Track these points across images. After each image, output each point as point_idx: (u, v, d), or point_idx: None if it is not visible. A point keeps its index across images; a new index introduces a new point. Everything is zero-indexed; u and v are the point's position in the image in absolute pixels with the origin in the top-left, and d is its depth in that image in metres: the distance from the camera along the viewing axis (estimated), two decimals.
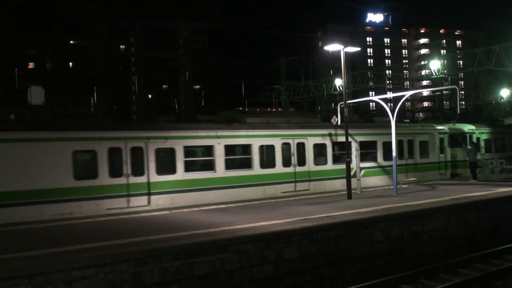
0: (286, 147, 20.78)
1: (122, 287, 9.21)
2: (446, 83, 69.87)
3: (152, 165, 17.40)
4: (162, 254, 9.64)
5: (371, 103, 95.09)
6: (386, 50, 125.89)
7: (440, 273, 12.05)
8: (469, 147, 26.26)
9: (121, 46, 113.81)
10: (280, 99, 50.85)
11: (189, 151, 18.58)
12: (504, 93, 54.72)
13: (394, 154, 19.45)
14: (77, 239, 10.85)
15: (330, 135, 22.11)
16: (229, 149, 19.31)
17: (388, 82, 45.43)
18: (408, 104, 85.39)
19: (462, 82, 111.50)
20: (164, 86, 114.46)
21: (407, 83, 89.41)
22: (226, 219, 13.31)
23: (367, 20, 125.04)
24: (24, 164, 15.10)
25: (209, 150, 19.05)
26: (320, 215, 13.41)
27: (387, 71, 47.70)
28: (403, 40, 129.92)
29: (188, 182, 18.19)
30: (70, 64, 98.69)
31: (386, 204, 15.64)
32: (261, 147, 20.08)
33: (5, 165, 14.82)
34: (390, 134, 19.53)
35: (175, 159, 18.02)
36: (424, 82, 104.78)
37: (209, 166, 18.94)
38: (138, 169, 17.19)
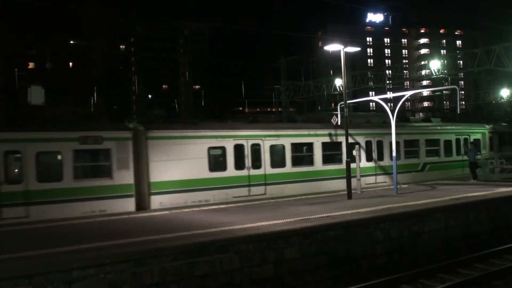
0: (368, 144, 24.12)
1: (122, 287, 9.21)
2: (446, 83, 69.89)
3: (267, 159, 20.31)
4: (162, 254, 9.64)
5: (371, 103, 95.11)
6: (386, 50, 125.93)
7: (440, 273, 12.04)
8: (468, 147, 26.27)
9: (121, 46, 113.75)
10: (280, 99, 50.82)
11: (295, 148, 21.44)
12: (504, 93, 54.69)
13: (394, 154, 19.45)
14: (77, 239, 10.85)
15: (402, 134, 25.17)
16: (325, 146, 22.23)
17: (388, 82, 45.37)
18: (408, 104, 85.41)
19: (462, 82, 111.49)
20: (164, 86, 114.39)
21: (407, 83, 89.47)
22: (226, 219, 13.31)
23: (367, 20, 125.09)
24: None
25: (309, 146, 21.94)
26: (320, 215, 13.42)
27: (387, 71, 47.65)
28: (403, 40, 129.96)
29: (294, 175, 20.99)
30: (70, 64, 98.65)
31: (386, 204, 15.64)
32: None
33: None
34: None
35: (285, 155, 20.86)
36: (424, 82, 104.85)
37: (310, 161, 21.84)
38: (256, 163, 20.05)
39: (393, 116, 19.24)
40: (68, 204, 15.89)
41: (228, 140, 19.52)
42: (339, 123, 21.85)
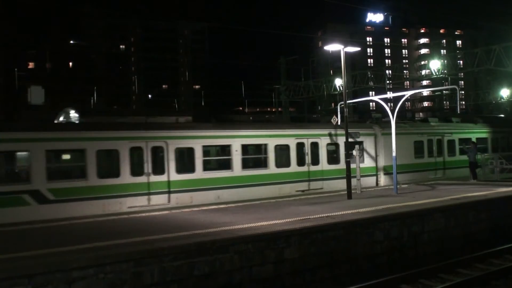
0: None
1: (122, 287, 9.21)
2: (446, 83, 69.93)
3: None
4: (162, 254, 9.64)
5: (371, 103, 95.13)
6: (386, 50, 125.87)
7: (440, 273, 12.03)
8: (468, 146, 26.24)
9: (121, 46, 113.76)
10: (280, 99, 50.84)
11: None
12: (504, 93, 54.73)
13: (394, 154, 19.45)
14: (77, 239, 10.85)
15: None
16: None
17: (388, 82, 45.42)
18: (408, 104, 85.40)
19: (462, 82, 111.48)
20: (164, 86, 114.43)
21: (407, 83, 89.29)
22: (226, 219, 13.31)
23: (367, 20, 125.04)
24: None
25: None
26: (320, 215, 13.42)
27: (387, 71, 47.69)
28: (403, 40, 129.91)
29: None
30: (70, 64, 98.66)
31: (386, 204, 15.63)
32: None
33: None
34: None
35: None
36: (424, 82, 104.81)
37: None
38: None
39: (393, 116, 19.23)
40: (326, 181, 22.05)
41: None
42: (339, 123, 21.84)
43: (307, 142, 21.93)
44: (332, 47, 19.38)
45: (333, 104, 52.17)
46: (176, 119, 21.80)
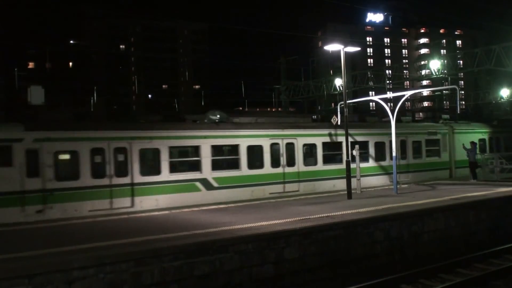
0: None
1: (122, 287, 9.21)
2: (446, 83, 69.89)
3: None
4: (162, 254, 9.64)
5: (371, 103, 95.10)
6: (386, 50, 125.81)
7: (440, 273, 12.04)
8: (469, 147, 26.24)
9: (121, 46, 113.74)
10: (280, 99, 50.85)
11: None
12: (504, 93, 54.68)
13: (394, 154, 19.44)
14: (77, 239, 10.86)
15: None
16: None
17: (388, 82, 45.43)
18: (408, 104, 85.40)
19: (462, 82, 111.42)
20: (164, 86, 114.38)
21: (407, 83, 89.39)
22: (226, 219, 13.31)
23: (367, 20, 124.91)
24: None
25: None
26: (320, 215, 13.42)
27: (387, 71, 47.69)
28: (403, 40, 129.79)
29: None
30: (70, 64, 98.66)
31: (386, 204, 15.64)
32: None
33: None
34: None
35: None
36: (424, 82, 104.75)
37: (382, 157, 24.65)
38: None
39: (393, 116, 19.23)
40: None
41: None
42: (339, 123, 21.82)
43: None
44: (332, 47, 19.38)
45: (333, 104, 52.14)
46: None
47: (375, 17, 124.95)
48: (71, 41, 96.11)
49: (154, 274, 9.54)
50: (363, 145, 23.23)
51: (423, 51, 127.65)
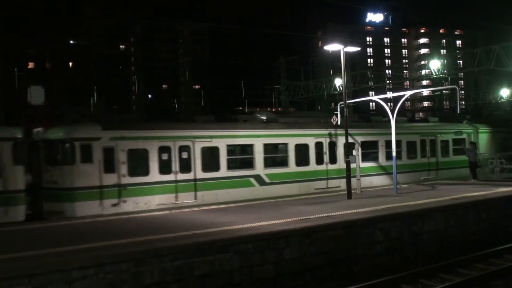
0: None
1: (122, 287, 9.21)
2: (446, 83, 69.90)
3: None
4: (162, 254, 9.64)
5: (371, 103, 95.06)
6: (386, 50, 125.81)
7: (440, 273, 12.04)
8: (468, 147, 26.25)
9: (121, 46, 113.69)
10: (280, 99, 50.86)
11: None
12: (504, 93, 54.70)
13: (394, 154, 19.45)
14: (77, 239, 10.85)
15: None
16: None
17: (388, 82, 45.46)
18: (408, 104, 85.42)
19: (462, 82, 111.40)
20: (164, 86, 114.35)
21: (407, 83, 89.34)
22: (226, 219, 13.31)
23: (367, 20, 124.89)
24: None
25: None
26: (320, 215, 13.42)
27: (387, 71, 47.72)
28: (403, 40, 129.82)
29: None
30: (70, 64, 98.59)
31: (386, 204, 15.63)
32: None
33: None
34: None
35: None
36: (424, 82, 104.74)
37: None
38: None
39: (393, 116, 19.23)
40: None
41: None
42: (339, 123, 21.82)
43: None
44: (332, 47, 19.38)
45: (333, 104, 52.15)
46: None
47: (375, 17, 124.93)
48: (71, 41, 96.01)
49: (154, 274, 9.54)
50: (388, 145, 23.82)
51: (423, 51, 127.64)
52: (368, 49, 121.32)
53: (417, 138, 26.00)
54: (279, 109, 54.38)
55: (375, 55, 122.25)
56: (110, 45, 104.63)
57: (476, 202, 15.95)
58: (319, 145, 22.16)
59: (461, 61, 44.35)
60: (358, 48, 20.46)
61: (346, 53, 18.81)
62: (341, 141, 21.93)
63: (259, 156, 20.23)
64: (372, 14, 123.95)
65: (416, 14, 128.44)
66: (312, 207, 15.64)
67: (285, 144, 21.18)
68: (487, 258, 13.39)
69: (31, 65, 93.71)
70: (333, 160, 22.41)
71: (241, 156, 20.18)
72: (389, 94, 28.56)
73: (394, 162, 19.48)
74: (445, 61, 37.28)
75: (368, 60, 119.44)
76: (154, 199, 17.40)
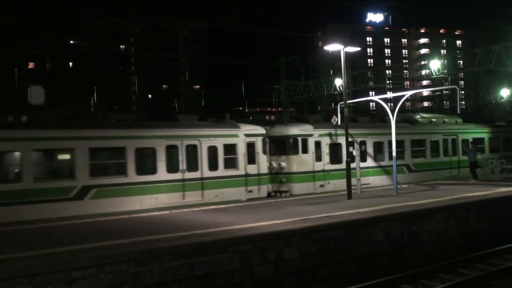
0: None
1: (122, 287, 9.21)
2: (446, 83, 69.84)
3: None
4: (162, 254, 9.64)
5: (371, 103, 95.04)
6: (386, 50, 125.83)
7: (440, 273, 12.03)
8: (468, 147, 26.26)
9: (121, 46, 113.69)
10: (280, 99, 50.86)
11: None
12: (504, 93, 54.68)
13: (394, 154, 19.44)
14: (77, 239, 10.85)
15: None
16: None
17: (388, 82, 45.42)
18: (408, 104, 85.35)
19: (462, 82, 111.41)
20: (164, 86, 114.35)
21: (407, 83, 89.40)
22: (226, 219, 13.31)
23: (367, 20, 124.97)
24: None
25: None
26: (320, 215, 13.41)
27: (387, 71, 47.69)
28: (403, 40, 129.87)
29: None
30: (70, 64, 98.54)
31: (386, 204, 15.63)
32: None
33: None
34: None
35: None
36: (424, 82, 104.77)
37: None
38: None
39: (393, 116, 19.23)
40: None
41: None
42: (339, 123, 21.86)
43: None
44: (332, 47, 19.37)
45: (333, 104, 52.15)
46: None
47: (375, 17, 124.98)
48: (71, 41, 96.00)
49: (154, 274, 9.53)
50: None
51: (423, 51, 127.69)
52: (368, 49, 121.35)
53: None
54: (279, 109, 54.35)
55: (375, 55, 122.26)
56: (110, 45, 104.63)
57: (476, 202, 15.95)
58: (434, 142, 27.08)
59: (461, 61, 44.31)
60: (358, 48, 20.45)
61: (346, 53, 18.81)
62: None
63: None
64: (372, 14, 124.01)
65: (416, 14, 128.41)
66: (312, 207, 15.64)
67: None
68: (487, 258, 13.39)
69: (31, 65, 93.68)
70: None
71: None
72: (389, 94, 28.53)
73: (394, 162, 19.46)
74: (445, 61, 37.25)
75: (368, 60, 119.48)
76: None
